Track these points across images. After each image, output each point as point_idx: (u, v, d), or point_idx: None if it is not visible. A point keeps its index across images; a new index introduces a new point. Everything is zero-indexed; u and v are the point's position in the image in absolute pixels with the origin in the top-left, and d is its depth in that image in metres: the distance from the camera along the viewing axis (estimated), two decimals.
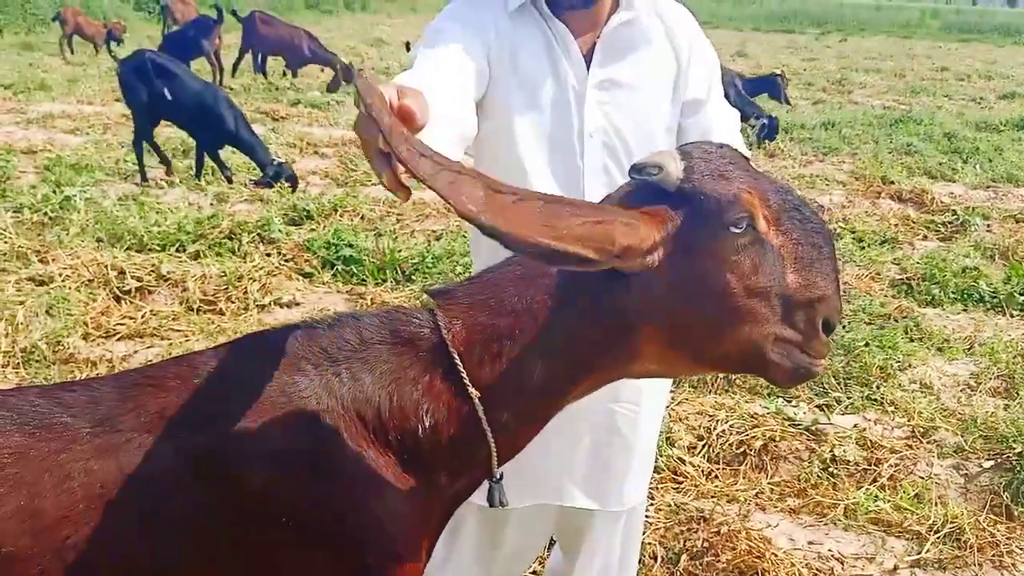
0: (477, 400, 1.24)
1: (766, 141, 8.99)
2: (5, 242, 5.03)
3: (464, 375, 1.23)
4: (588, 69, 1.68)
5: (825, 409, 3.63)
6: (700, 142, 1.32)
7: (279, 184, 6.68)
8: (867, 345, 4.10)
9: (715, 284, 1.21)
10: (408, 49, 9.03)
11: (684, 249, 1.20)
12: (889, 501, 3.00)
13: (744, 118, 8.27)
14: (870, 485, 3.11)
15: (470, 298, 1.30)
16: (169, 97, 6.74)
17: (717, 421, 3.42)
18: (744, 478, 3.16)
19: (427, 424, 1.22)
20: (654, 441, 2.02)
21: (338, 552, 1.16)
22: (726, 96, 1.92)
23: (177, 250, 5.16)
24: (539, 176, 1.69)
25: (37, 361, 3.77)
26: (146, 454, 1.11)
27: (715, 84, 1.81)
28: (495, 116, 1.68)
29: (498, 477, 1.33)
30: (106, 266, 4.70)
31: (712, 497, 3.02)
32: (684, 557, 2.68)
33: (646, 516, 2.71)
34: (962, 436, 3.44)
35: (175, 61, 7.28)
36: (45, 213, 5.64)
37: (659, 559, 2.68)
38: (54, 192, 5.98)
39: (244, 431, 1.14)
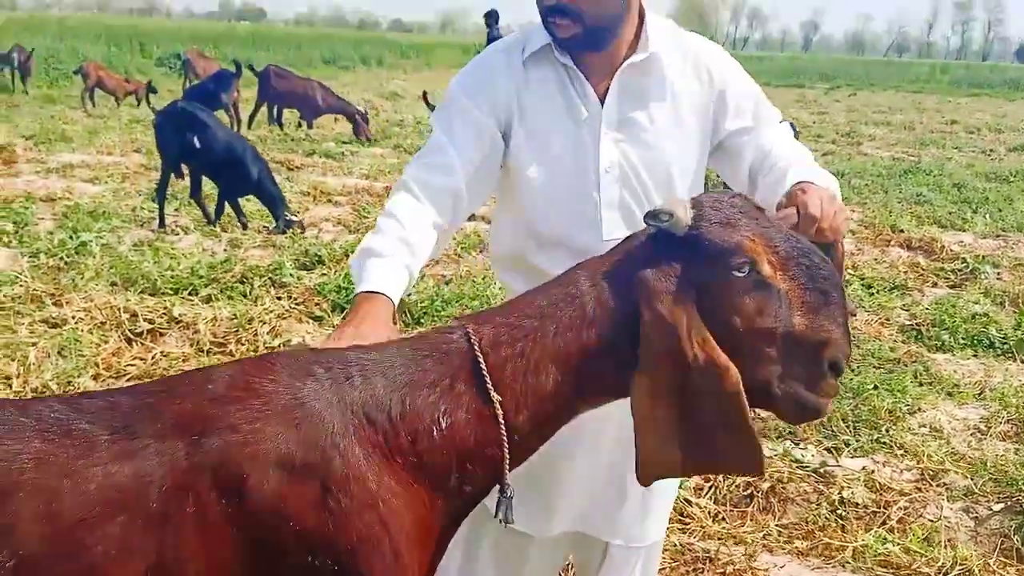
0: (497, 403, 1.28)
1: None
2: (21, 286, 5.10)
3: (487, 376, 1.29)
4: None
5: (833, 452, 3.60)
6: (715, 192, 1.41)
7: (292, 229, 6.80)
8: (876, 388, 4.08)
9: (721, 324, 1.28)
10: (425, 99, 9.25)
11: (692, 290, 1.28)
12: (898, 544, 2.96)
13: None
14: (879, 527, 3.08)
15: (499, 309, 1.40)
16: (199, 146, 6.89)
17: None
18: (751, 520, 3.13)
19: (443, 425, 1.26)
20: (674, 481, 2.02)
21: (337, 556, 1.18)
22: None
23: (190, 294, 5.20)
24: (559, 210, 1.75)
25: None
26: (160, 460, 1.14)
27: (763, 109, 1.82)
28: (517, 157, 1.76)
29: (510, 493, 1.36)
30: (119, 309, 4.75)
31: (719, 538, 2.99)
32: None
33: None
34: (972, 479, 3.40)
35: (208, 112, 7.45)
36: (61, 258, 5.73)
37: None
38: (70, 237, 6.08)
39: (253, 435, 1.17)
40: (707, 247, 1.29)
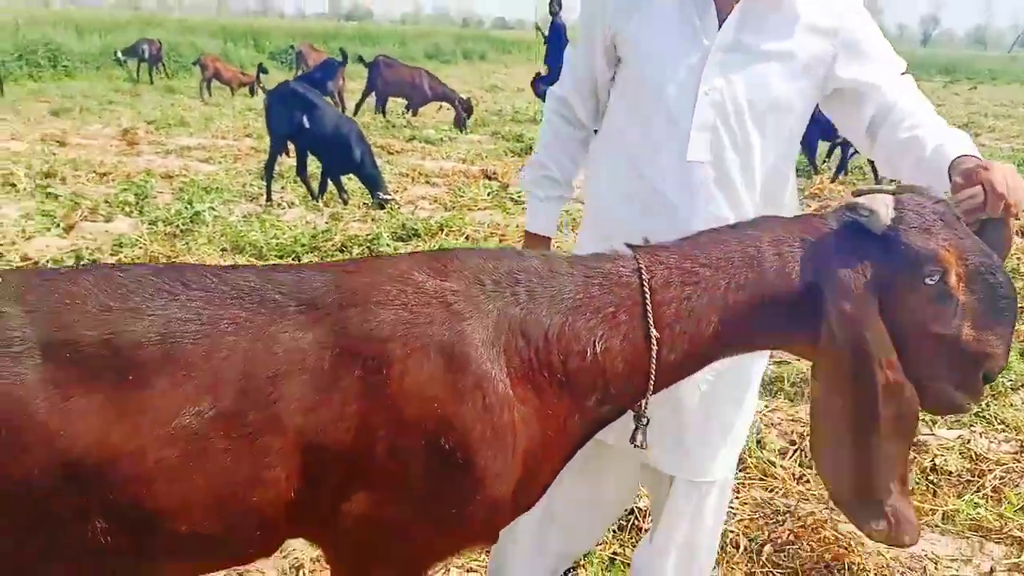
0: (655, 339, 1.35)
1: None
2: (140, 248, 5.44)
3: (650, 312, 1.35)
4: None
5: (928, 422, 3.50)
6: (917, 195, 1.39)
7: (389, 205, 7.02)
8: None
9: (894, 321, 1.32)
10: (537, 78, 9.56)
11: (878, 288, 1.32)
12: (992, 510, 2.87)
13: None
14: (972, 495, 2.98)
15: (678, 247, 1.43)
16: (308, 126, 7.17)
17: None
18: None
19: (598, 350, 1.33)
20: (737, 417, 1.99)
21: (465, 445, 1.26)
22: None
23: (293, 259, 5.45)
24: (650, 126, 1.76)
25: None
26: (336, 327, 1.26)
27: (889, 60, 1.78)
28: (622, 69, 1.82)
29: (646, 421, 1.43)
30: None
31: (802, 497, 2.96)
32: (768, 547, 2.64)
33: (730, 508, 2.68)
34: None
35: (317, 93, 7.72)
36: (177, 225, 6.08)
37: (741, 548, 2.64)
38: (186, 208, 6.43)
39: (424, 317, 1.27)
40: (904, 251, 1.31)
